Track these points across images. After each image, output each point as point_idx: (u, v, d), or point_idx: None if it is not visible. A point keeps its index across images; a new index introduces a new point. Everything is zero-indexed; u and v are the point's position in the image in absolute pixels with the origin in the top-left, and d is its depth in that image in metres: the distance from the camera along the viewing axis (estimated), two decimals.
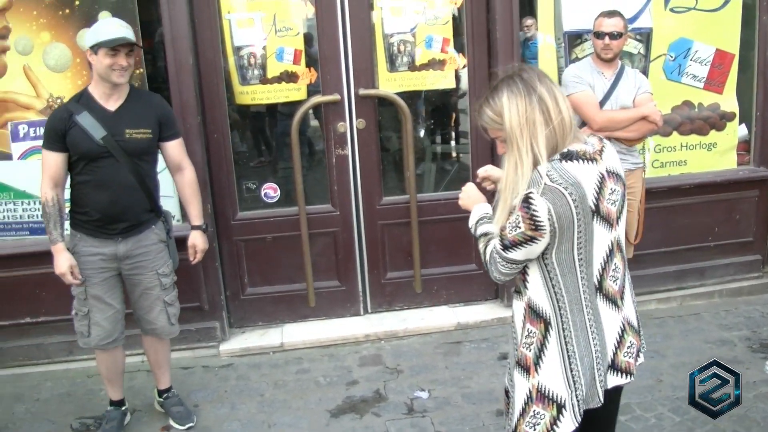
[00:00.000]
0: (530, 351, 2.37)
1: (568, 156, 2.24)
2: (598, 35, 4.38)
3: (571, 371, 2.33)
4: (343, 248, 4.95)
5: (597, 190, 2.24)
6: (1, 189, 4.58)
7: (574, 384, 2.34)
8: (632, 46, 4.85)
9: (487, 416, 3.96)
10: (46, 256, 4.48)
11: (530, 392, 2.37)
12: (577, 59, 4.78)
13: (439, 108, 5.39)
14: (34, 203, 4.59)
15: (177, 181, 3.94)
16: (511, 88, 2.24)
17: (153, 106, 3.78)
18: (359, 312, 5.13)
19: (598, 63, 4.46)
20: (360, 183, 4.89)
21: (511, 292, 4.90)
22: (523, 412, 2.39)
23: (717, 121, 5.12)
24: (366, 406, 4.15)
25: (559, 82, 4.73)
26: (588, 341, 2.34)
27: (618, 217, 2.33)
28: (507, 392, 2.62)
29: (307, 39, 4.76)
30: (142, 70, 4.49)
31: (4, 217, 4.61)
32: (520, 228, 2.19)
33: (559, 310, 2.32)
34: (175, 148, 3.85)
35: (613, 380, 2.42)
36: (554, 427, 2.35)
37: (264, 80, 4.69)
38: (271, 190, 4.90)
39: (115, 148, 3.57)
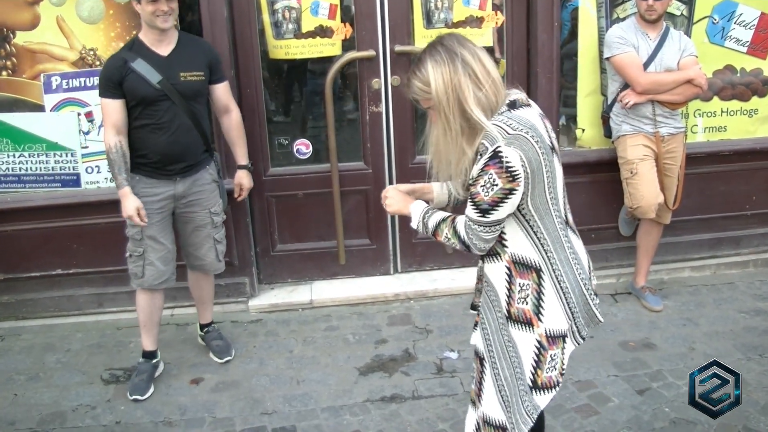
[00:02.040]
0: (527, 304, 2.41)
1: (514, 104, 2.32)
2: None
3: (569, 304, 2.43)
4: (375, 206, 4.88)
5: (545, 128, 2.32)
6: (34, 140, 4.57)
7: (573, 315, 2.45)
8: (675, 7, 4.71)
9: None
10: (78, 208, 4.58)
11: (539, 342, 2.42)
12: (619, 20, 4.66)
13: None
14: (66, 155, 4.58)
15: (224, 122, 4.12)
16: (435, 57, 2.28)
17: (202, 49, 3.94)
18: (389, 271, 5.10)
19: (642, 24, 4.36)
20: (393, 141, 4.82)
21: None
22: (539, 363, 2.43)
23: (759, 87, 4.99)
24: (395, 365, 4.15)
25: (601, 43, 4.65)
26: (574, 273, 2.43)
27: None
28: (480, 359, 2.58)
29: None
30: (176, 22, 4.43)
31: (37, 168, 4.60)
32: (496, 185, 2.20)
33: (546, 253, 2.37)
34: (222, 90, 4.02)
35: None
36: (563, 355, 2.48)
37: (298, 35, 4.62)
38: (303, 146, 4.85)
39: (171, 91, 3.72)
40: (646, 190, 4.39)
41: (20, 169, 4.61)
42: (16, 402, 3.97)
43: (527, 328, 2.41)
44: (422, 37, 4.65)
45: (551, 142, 2.31)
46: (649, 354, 4.14)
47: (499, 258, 2.41)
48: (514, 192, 2.21)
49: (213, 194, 4.02)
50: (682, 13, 4.78)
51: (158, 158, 3.79)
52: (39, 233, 4.64)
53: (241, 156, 4.16)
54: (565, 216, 2.44)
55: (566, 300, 2.42)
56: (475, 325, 2.65)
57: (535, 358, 2.43)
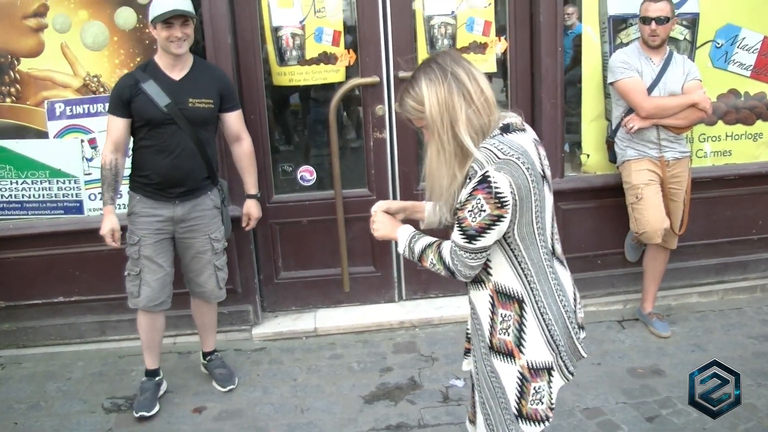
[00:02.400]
0: (509, 335, 2.34)
1: (508, 128, 2.25)
2: (645, 20, 4.29)
3: (552, 337, 2.34)
4: None
5: (538, 155, 2.26)
6: (37, 167, 4.56)
7: (557, 347, 2.36)
8: (678, 31, 4.72)
9: None
10: (81, 236, 4.56)
11: (522, 374, 2.35)
12: (622, 44, 4.66)
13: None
14: (70, 182, 4.57)
15: (235, 151, 4.11)
16: (429, 75, 2.23)
17: (215, 77, 3.94)
18: (394, 299, 5.06)
19: (645, 49, 4.36)
20: (397, 167, 4.81)
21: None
22: (523, 394, 2.36)
23: (763, 110, 4.97)
24: (400, 393, 4.09)
25: (604, 68, 4.65)
26: (558, 305, 2.35)
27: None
28: (472, 386, 2.57)
29: (347, 20, 4.67)
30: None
31: (39, 195, 4.59)
32: (484, 211, 2.15)
33: (529, 284, 2.30)
34: (234, 119, 4.02)
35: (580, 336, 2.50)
36: (551, 389, 2.39)
37: (302, 61, 4.63)
38: (307, 173, 4.84)
39: (177, 115, 3.73)
40: (651, 215, 4.36)
41: (23, 195, 4.60)
42: (16, 431, 3.92)
43: (509, 359, 2.35)
44: None
45: (543, 170, 2.25)
46: (658, 380, 4.09)
47: (483, 286, 2.36)
48: (502, 219, 2.16)
49: (214, 220, 4.00)
50: (685, 38, 4.78)
51: (159, 180, 3.79)
52: (41, 260, 4.62)
53: (251, 185, 4.16)
54: (552, 246, 2.36)
55: (549, 332, 2.34)
56: (467, 352, 2.63)
57: (519, 389, 2.36)
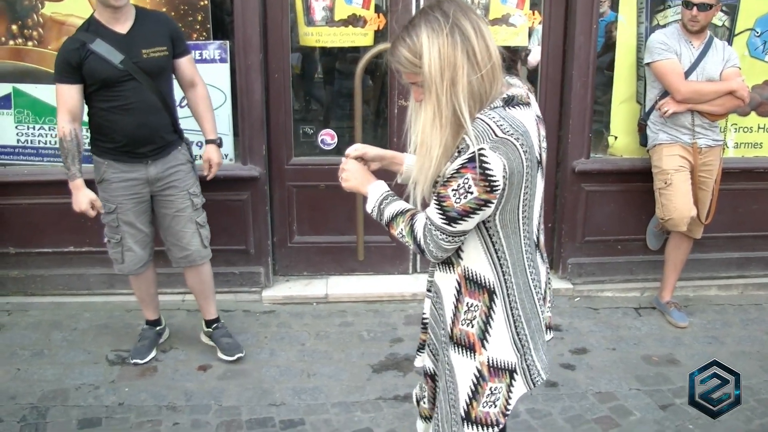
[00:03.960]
0: (472, 327, 2.10)
1: (511, 101, 1.96)
2: (687, 5, 4.17)
3: (518, 335, 2.12)
4: None
5: (538, 136, 2.01)
6: (54, 113, 4.46)
7: (522, 348, 2.13)
8: (717, 18, 4.58)
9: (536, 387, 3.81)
10: (95, 185, 4.46)
11: (479, 371, 2.11)
12: (659, 26, 4.55)
13: (508, 66, 5.18)
14: (86, 130, 4.48)
15: (190, 97, 3.91)
16: (431, 24, 1.89)
17: (162, 23, 3.74)
18: (408, 270, 4.99)
19: (685, 32, 4.24)
20: None
21: (553, 262, 4.86)
22: (476, 394, 2.13)
23: None
24: (409, 364, 4.02)
25: (639, 50, 4.54)
26: (534, 303, 2.14)
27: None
28: (431, 376, 2.33)
29: None
30: (206, 1, 4.37)
31: (55, 142, 4.52)
32: (471, 193, 1.88)
33: (503, 275, 2.06)
34: (186, 63, 3.82)
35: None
36: (509, 394, 2.15)
37: (330, 22, 4.53)
38: (328, 137, 4.75)
39: (134, 70, 3.54)
40: (679, 201, 4.27)
41: (39, 141, 4.53)
42: (18, 377, 3.88)
43: (468, 353, 2.11)
44: None
45: (539, 154, 2.00)
46: (673, 370, 4.00)
47: (451, 269, 2.12)
48: (489, 204, 1.91)
49: (189, 174, 3.84)
50: (723, 24, 4.67)
51: (126, 141, 3.62)
52: (54, 208, 4.54)
53: (209, 130, 3.92)
54: (537, 239, 2.13)
55: (516, 331, 2.11)
56: (420, 348, 2.39)
57: (472, 388, 2.13)
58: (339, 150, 4.76)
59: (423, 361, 2.35)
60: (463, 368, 2.13)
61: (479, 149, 1.85)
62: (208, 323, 4.17)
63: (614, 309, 4.71)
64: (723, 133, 4.58)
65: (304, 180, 4.73)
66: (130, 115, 3.58)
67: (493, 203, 1.91)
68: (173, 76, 3.83)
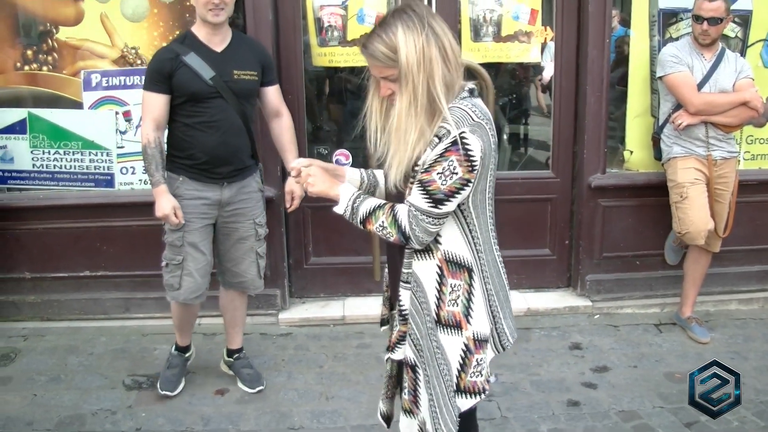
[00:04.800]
0: (457, 306, 2.25)
1: (473, 93, 2.21)
2: (697, 19, 4.16)
3: (491, 307, 2.30)
4: None
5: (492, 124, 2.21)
6: (70, 138, 4.50)
7: (494, 318, 2.32)
8: (730, 28, 4.57)
9: (557, 405, 3.76)
10: (110, 209, 4.50)
11: (467, 345, 2.27)
12: (671, 39, 4.53)
13: (521, 82, 5.17)
14: (102, 154, 4.51)
15: (274, 127, 3.84)
16: (406, 22, 2.08)
17: (256, 49, 3.74)
18: None
19: (696, 44, 4.23)
20: None
21: (572, 279, 4.83)
22: (464, 366, 2.28)
23: None
24: None
25: (652, 63, 4.53)
26: (501, 276, 2.35)
27: None
28: (412, 367, 2.35)
29: (390, 2, 4.56)
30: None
31: (71, 167, 4.54)
32: (456, 174, 2.07)
33: (478, 253, 2.25)
34: (274, 93, 3.79)
35: None
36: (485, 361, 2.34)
37: (343, 42, 4.53)
38: (343, 157, 4.73)
39: (223, 88, 3.51)
40: (696, 215, 4.23)
41: (54, 166, 4.54)
42: (35, 402, 3.85)
43: (456, 331, 2.26)
44: (469, 50, 4.55)
45: (496, 139, 2.21)
46: None
47: (431, 255, 2.24)
48: (469, 184, 2.09)
49: (258, 203, 3.80)
50: (736, 35, 4.65)
51: (206, 159, 3.55)
52: (69, 233, 4.56)
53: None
54: (494, 217, 2.31)
55: (490, 303, 2.29)
56: (400, 340, 2.37)
57: (461, 362, 2.27)
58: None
59: (404, 352, 2.37)
60: (452, 345, 2.27)
61: (461, 132, 2.06)
62: (230, 352, 4.08)
63: (634, 326, 4.66)
64: (738, 144, 4.55)
65: (319, 200, 4.68)
66: (213, 133, 3.54)
67: (472, 183, 2.10)
68: (256, 103, 3.81)
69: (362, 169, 2.52)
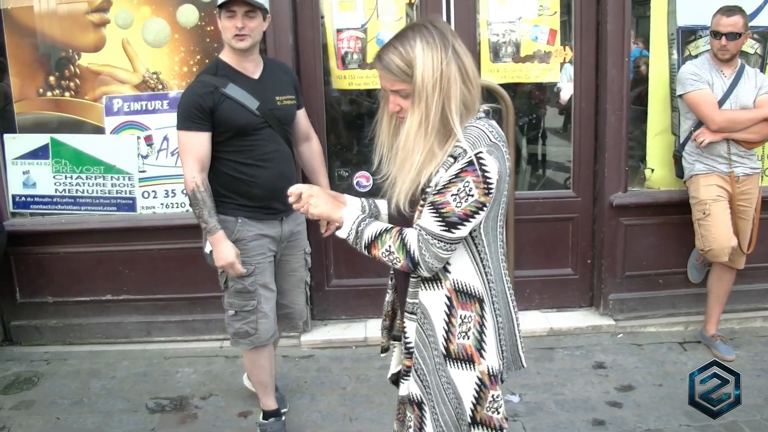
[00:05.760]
0: (469, 338, 2.12)
1: (488, 114, 2.14)
2: (716, 34, 4.16)
3: (500, 342, 2.18)
4: None
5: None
6: (92, 162, 4.54)
7: (502, 353, 2.20)
8: (749, 45, 4.58)
9: (582, 425, 3.72)
10: (132, 233, 4.52)
11: (480, 380, 2.13)
12: (690, 57, 4.53)
13: (540, 102, 5.17)
14: (124, 179, 4.54)
15: (304, 151, 3.68)
16: (426, 38, 2.00)
17: (287, 72, 3.58)
18: None
19: (716, 61, 4.23)
20: None
21: (594, 298, 4.80)
22: (479, 400, 2.15)
23: None
24: None
25: (671, 81, 4.53)
26: (509, 308, 2.24)
27: None
28: (418, 404, 2.23)
29: (408, 23, 4.61)
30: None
31: (93, 191, 4.56)
32: (472, 196, 1.96)
33: (489, 283, 2.13)
34: (303, 116, 3.64)
35: None
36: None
37: (363, 65, 4.56)
38: (363, 179, 4.74)
39: (270, 117, 3.32)
40: (719, 232, 4.20)
41: (77, 191, 4.57)
42: (58, 425, 3.86)
43: (468, 365, 2.13)
44: (488, 71, 4.57)
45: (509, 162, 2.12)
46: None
47: (439, 285, 2.12)
48: (485, 208, 1.99)
49: (305, 234, 3.64)
50: (756, 52, 4.65)
51: (265, 195, 3.33)
52: (91, 257, 4.59)
53: (325, 186, 3.61)
54: (504, 243, 2.21)
55: (500, 337, 2.17)
56: (405, 374, 2.25)
57: (475, 395, 2.15)
58: (373, 193, 4.76)
59: (408, 388, 2.25)
60: (465, 380, 2.14)
61: (478, 152, 1.96)
62: None
63: (658, 344, 4.61)
64: (760, 160, 4.53)
65: None
66: (268, 166, 3.32)
67: (487, 207, 2.00)
68: None
69: (363, 198, 2.40)
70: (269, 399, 3.70)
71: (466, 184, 1.96)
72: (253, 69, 3.34)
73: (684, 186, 4.45)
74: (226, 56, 3.33)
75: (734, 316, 4.82)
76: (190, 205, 3.29)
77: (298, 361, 4.51)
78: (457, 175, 1.96)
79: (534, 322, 4.79)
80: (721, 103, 4.18)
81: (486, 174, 1.95)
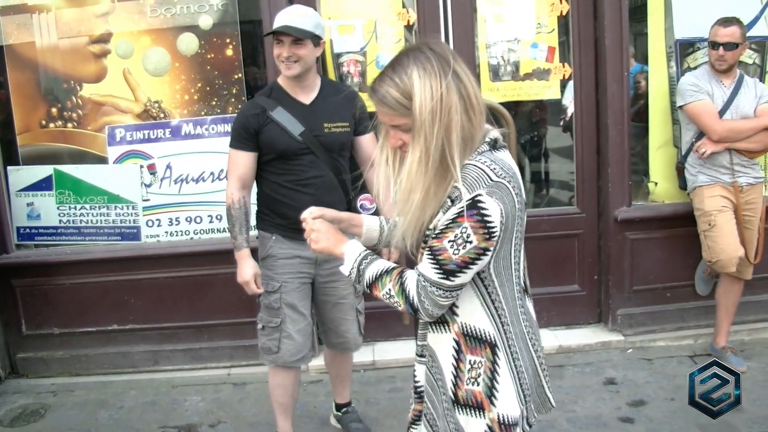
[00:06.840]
0: (478, 385, 1.98)
1: (495, 144, 1.92)
2: (713, 45, 4.18)
3: (522, 387, 2.02)
4: None
5: (519, 176, 1.94)
6: (96, 192, 4.55)
7: (525, 399, 2.04)
8: (747, 55, 4.60)
9: None
10: (137, 262, 4.51)
11: (491, 428, 1.99)
12: (689, 69, 4.55)
13: (542, 119, 5.18)
14: (128, 208, 4.54)
15: (369, 178, 3.51)
16: (423, 64, 1.81)
17: (348, 98, 3.49)
18: None
19: (714, 71, 4.24)
20: None
21: (602, 314, 4.78)
22: None
23: None
24: None
25: (671, 94, 4.54)
26: (529, 350, 2.05)
27: None
28: None
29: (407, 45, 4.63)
30: (241, 74, 4.45)
31: (97, 221, 4.57)
32: (470, 242, 1.79)
33: (503, 326, 1.97)
34: (368, 142, 3.53)
35: None
36: None
37: (363, 88, 4.57)
38: (367, 202, 4.74)
39: (313, 143, 3.31)
40: (725, 242, 4.19)
41: (81, 221, 4.58)
42: None
43: (477, 412, 1.99)
44: (488, 90, 4.58)
45: (524, 194, 1.92)
46: (736, 416, 3.83)
47: (446, 328, 2.00)
48: (488, 253, 1.83)
49: None
50: (754, 62, 4.66)
51: (298, 218, 3.34)
52: (96, 287, 4.58)
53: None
54: (524, 282, 2.05)
55: (520, 381, 2.00)
56: (415, 420, 2.20)
57: None
58: (378, 214, 4.75)
59: None
60: (473, 428, 2.01)
61: (476, 195, 1.79)
62: (339, 406, 3.98)
63: (669, 358, 4.57)
64: (763, 170, 4.52)
65: None
66: (306, 191, 3.31)
67: (491, 251, 1.84)
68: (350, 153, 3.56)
69: (382, 218, 2.28)
70: (285, 423, 3.66)
71: (464, 230, 1.79)
72: (307, 93, 3.35)
73: (688, 198, 4.44)
74: (281, 79, 3.38)
75: (744, 328, 4.78)
76: (226, 218, 3.42)
77: (306, 387, 4.47)
78: (453, 220, 1.81)
79: (543, 340, 4.70)
80: (721, 113, 4.18)
81: (486, 218, 1.78)
